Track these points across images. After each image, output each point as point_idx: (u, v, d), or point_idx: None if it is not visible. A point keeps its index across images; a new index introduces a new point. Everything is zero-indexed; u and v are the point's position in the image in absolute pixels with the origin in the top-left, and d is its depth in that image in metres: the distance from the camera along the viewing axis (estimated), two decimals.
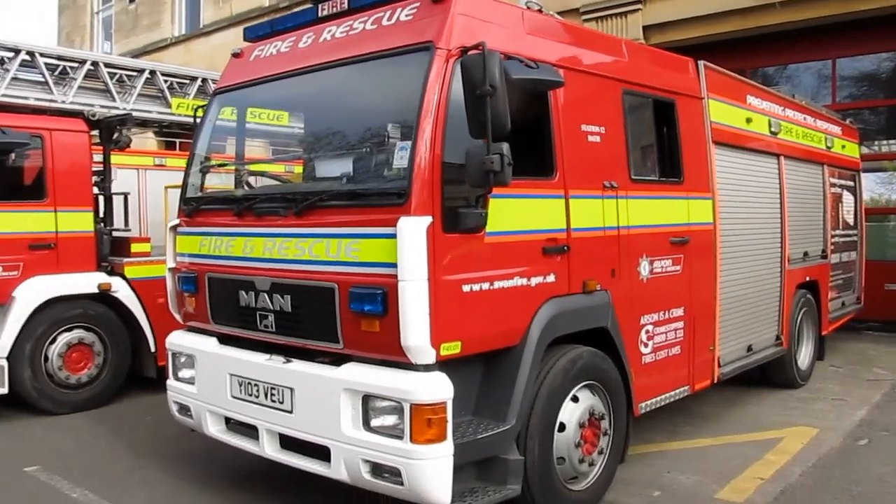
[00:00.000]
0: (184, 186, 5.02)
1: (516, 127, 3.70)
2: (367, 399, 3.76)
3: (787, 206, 7.04)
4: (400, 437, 3.61)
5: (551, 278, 4.25)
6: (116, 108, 7.97)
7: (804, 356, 7.76)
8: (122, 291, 7.23)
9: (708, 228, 5.69)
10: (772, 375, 7.38)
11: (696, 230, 5.53)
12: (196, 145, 5.09)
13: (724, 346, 6.03)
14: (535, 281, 4.14)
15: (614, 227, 4.73)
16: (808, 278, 7.56)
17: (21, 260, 6.66)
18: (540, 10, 4.94)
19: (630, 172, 4.89)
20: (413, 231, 3.53)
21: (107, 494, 4.91)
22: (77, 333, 6.99)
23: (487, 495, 3.88)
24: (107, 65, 8.11)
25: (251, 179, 5.30)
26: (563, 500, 4.31)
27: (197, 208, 4.86)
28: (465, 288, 3.76)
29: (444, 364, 3.72)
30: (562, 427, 4.27)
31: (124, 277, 7.29)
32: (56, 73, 7.91)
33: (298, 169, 5.53)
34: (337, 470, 3.87)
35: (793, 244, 7.19)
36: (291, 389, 4.09)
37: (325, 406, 3.88)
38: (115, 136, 7.69)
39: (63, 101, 7.60)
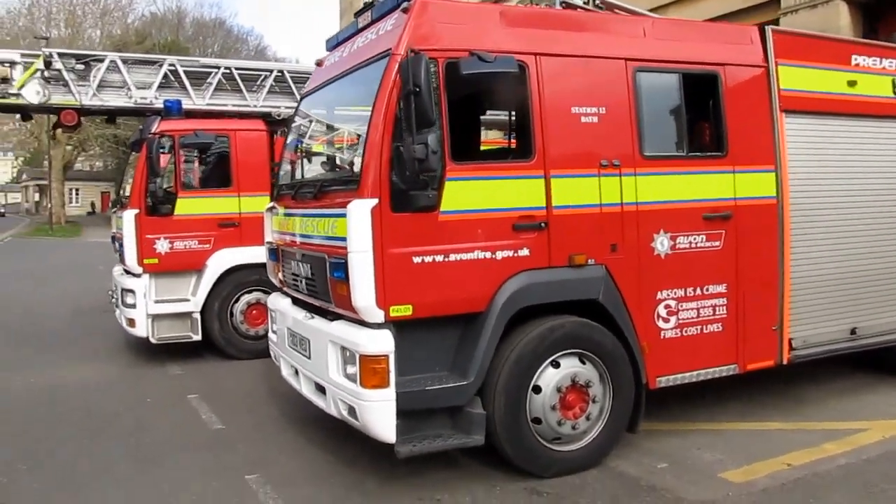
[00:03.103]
0: (275, 175, 6.17)
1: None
2: (343, 350, 4.55)
3: None
4: (355, 382, 4.36)
5: (524, 252, 4.61)
6: None
7: None
8: None
9: (766, 203, 5.44)
10: None
11: (746, 205, 5.34)
12: (287, 140, 6.21)
13: (802, 327, 5.68)
14: (501, 255, 4.55)
15: (616, 203, 4.88)
16: None
17: (213, 235, 8.47)
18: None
19: (641, 150, 4.96)
20: (358, 211, 4.23)
21: (224, 417, 6.31)
22: (255, 294, 8.64)
23: (447, 440, 4.48)
24: (290, 72, 9.70)
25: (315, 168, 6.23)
26: (542, 458, 4.70)
27: (279, 193, 5.96)
28: (416, 259, 4.34)
29: (407, 324, 4.37)
30: (537, 389, 4.64)
31: None
32: (259, 81, 9.70)
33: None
34: (329, 407, 4.73)
35: None
36: (309, 340, 5.02)
37: (323, 354, 4.74)
38: None
39: (255, 105, 9.34)
